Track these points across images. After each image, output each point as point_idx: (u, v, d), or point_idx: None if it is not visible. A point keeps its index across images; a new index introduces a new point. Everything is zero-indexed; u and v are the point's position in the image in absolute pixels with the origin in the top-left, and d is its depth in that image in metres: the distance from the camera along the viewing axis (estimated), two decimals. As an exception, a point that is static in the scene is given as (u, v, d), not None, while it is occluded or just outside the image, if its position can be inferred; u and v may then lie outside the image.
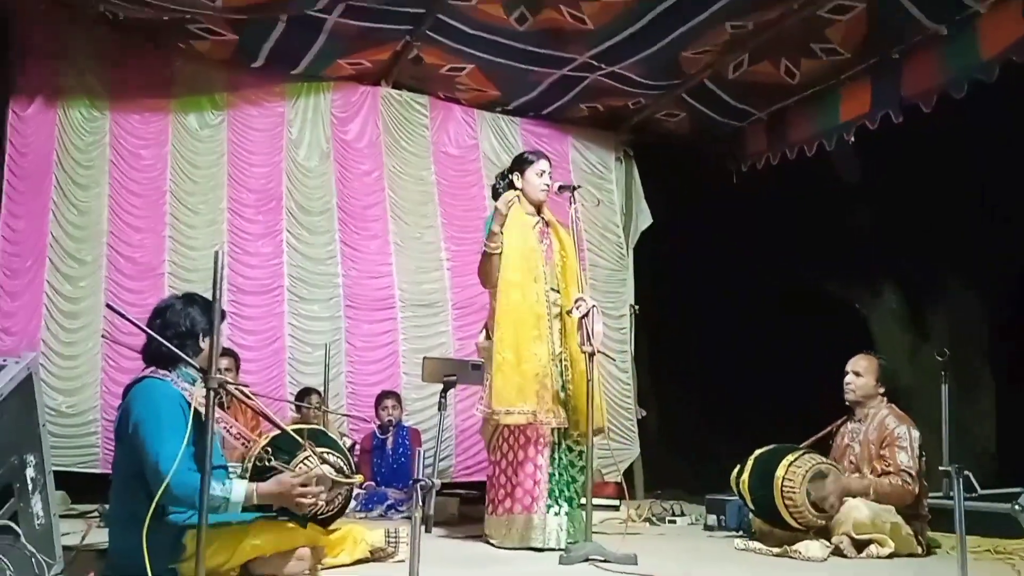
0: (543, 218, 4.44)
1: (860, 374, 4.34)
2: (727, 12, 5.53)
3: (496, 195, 4.53)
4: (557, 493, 4.15)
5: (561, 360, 4.23)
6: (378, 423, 6.25)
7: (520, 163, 4.48)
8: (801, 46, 5.94)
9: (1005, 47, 5.06)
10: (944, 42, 5.43)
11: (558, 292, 4.29)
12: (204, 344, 2.99)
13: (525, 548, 4.05)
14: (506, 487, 4.19)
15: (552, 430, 4.17)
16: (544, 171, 4.38)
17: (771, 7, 5.52)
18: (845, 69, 6.09)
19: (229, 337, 6.01)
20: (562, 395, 4.20)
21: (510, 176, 4.49)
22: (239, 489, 2.83)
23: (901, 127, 5.91)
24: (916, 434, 4.15)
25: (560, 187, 4.35)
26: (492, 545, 4.18)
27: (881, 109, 5.95)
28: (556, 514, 4.12)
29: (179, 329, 2.97)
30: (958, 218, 7.13)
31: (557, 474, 4.17)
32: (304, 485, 2.95)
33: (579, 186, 4.43)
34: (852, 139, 6.37)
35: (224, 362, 5.51)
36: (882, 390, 4.32)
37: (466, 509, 5.32)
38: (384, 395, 6.33)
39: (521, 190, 4.42)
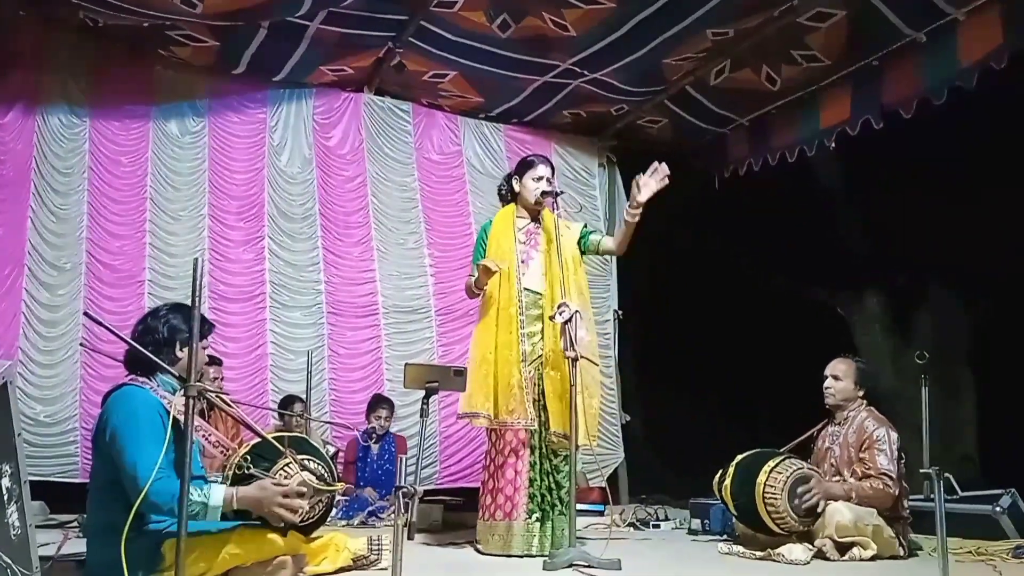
0: (539, 221, 4.41)
1: (839, 378, 4.36)
2: (708, 20, 5.57)
3: (500, 197, 4.57)
4: (539, 499, 4.13)
5: (542, 363, 4.22)
6: (362, 429, 6.20)
7: (521, 167, 4.49)
8: (782, 53, 5.98)
9: (984, 54, 5.12)
10: (923, 49, 5.48)
11: (539, 295, 4.28)
12: (181, 353, 2.95)
13: (506, 555, 4.03)
14: (492, 493, 4.18)
15: (533, 434, 4.16)
16: (541, 176, 4.36)
17: (752, 15, 5.56)
18: (826, 76, 6.14)
19: (211, 344, 5.96)
20: (540, 399, 4.19)
21: (512, 179, 4.50)
22: (217, 494, 2.80)
23: (881, 133, 5.96)
24: (895, 436, 4.17)
25: (543, 193, 4.34)
26: (478, 551, 4.17)
27: (861, 115, 6.01)
28: (537, 520, 4.10)
29: (156, 336, 2.94)
30: (940, 223, 7.19)
31: (539, 480, 4.15)
32: (286, 496, 2.91)
33: (562, 191, 4.42)
34: (833, 145, 6.42)
35: (212, 371, 5.49)
36: (861, 393, 4.34)
37: (449, 516, 5.29)
38: (378, 402, 6.26)
39: (518, 193, 4.43)
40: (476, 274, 4.29)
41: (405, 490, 2.57)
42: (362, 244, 6.87)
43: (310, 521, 3.23)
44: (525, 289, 4.26)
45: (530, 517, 4.10)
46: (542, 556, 3.93)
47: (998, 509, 4.60)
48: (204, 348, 3.17)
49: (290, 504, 2.91)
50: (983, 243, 6.89)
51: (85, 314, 3.43)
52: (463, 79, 6.69)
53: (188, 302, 3.05)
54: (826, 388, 4.38)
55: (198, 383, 2.35)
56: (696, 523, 5.17)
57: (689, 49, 6.01)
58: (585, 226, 4.50)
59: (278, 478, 3.04)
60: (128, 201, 6.21)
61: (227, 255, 6.44)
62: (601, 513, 5.54)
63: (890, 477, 4.06)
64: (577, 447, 3.89)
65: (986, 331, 7.22)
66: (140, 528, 2.75)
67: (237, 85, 6.60)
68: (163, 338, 2.94)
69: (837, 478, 4.21)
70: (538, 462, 4.17)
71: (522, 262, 4.30)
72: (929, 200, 7.05)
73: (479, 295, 4.35)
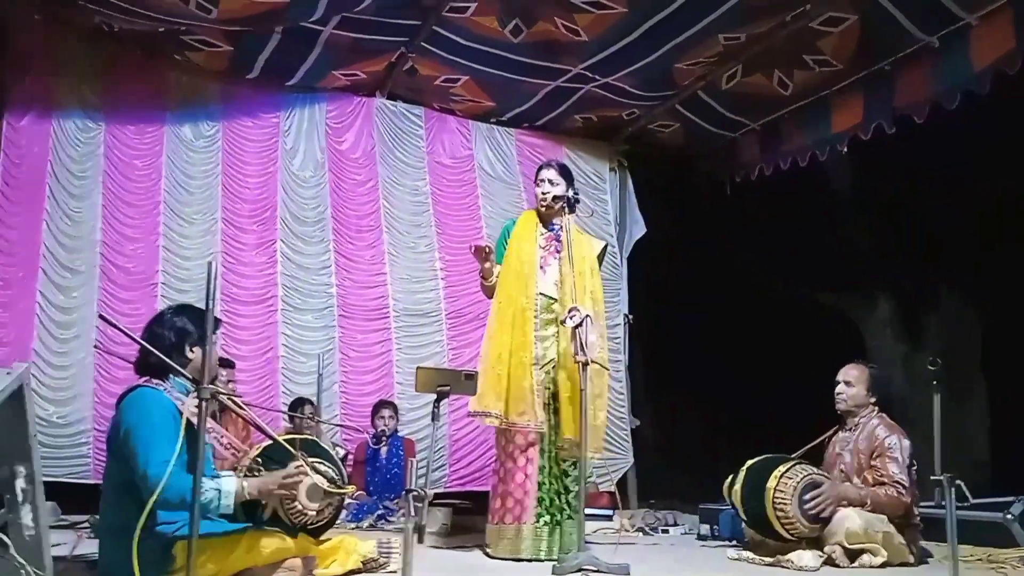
0: (557, 226, 4.39)
1: (851, 384, 4.34)
2: (720, 24, 5.56)
3: None
4: (548, 503, 4.13)
5: (554, 367, 4.22)
6: (372, 433, 6.24)
7: (535, 175, 4.54)
8: (794, 58, 5.97)
9: (996, 59, 5.09)
10: (936, 54, 5.46)
11: (554, 300, 4.30)
12: (191, 354, 2.97)
13: (515, 559, 4.04)
14: (502, 496, 4.19)
15: (543, 437, 4.17)
16: (544, 179, 4.41)
17: (764, 19, 5.56)
18: (837, 80, 6.12)
19: (222, 347, 6.00)
20: (551, 402, 4.20)
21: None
22: (230, 482, 2.85)
23: (894, 138, 5.94)
24: (907, 444, 4.15)
25: (554, 197, 4.36)
26: (487, 554, 4.17)
27: (873, 120, 5.99)
28: (546, 524, 4.10)
29: (164, 340, 2.96)
30: (951, 227, 7.16)
31: (548, 483, 4.16)
32: (287, 476, 2.95)
33: (576, 197, 4.42)
34: (845, 150, 6.40)
35: (224, 373, 5.52)
36: (873, 399, 4.32)
37: (459, 519, 5.30)
38: (381, 404, 6.34)
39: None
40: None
41: (415, 493, 2.58)
42: (374, 248, 6.89)
43: (320, 523, 3.25)
44: (540, 294, 4.28)
45: (539, 521, 4.10)
46: (551, 560, 3.93)
47: (1009, 516, 4.56)
48: (213, 343, 3.19)
49: (289, 483, 2.95)
50: (995, 248, 6.86)
51: (101, 316, 3.46)
52: (475, 84, 6.71)
53: (196, 304, 3.10)
54: (838, 394, 4.36)
55: (211, 385, 2.37)
56: (705, 528, 5.16)
57: (701, 54, 6.01)
58: (600, 254, 4.52)
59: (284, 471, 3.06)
60: (142, 204, 6.26)
61: (240, 258, 6.48)
62: (610, 518, 5.53)
63: (903, 485, 4.04)
64: (586, 452, 3.90)
65: (998, 337, 7.18)
66: (151, 529, 2.76)
67: (250, 90, 6.64)
68: (172, 343, 2.96)
69: (848, 485, 4.19)
70: (547, 466, 4.18)
71: (540, 267, 4.32)
72: (941, 205, 7.03)
73: (491, 286, 4.37)
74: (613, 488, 6.15)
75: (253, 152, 6.66)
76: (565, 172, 4.49)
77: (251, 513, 2.98)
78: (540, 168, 4.52)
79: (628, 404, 7.46)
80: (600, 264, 4.50)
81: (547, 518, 4.11)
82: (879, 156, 6.61)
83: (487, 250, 4.28)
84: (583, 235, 4.47)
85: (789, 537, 3.98)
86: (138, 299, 6.08)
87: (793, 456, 4.23)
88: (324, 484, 3.12)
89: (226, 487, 2.83)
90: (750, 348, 7.91)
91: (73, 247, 6.01)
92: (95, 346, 5.74)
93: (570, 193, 4.33)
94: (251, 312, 6.45)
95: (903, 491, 4.04)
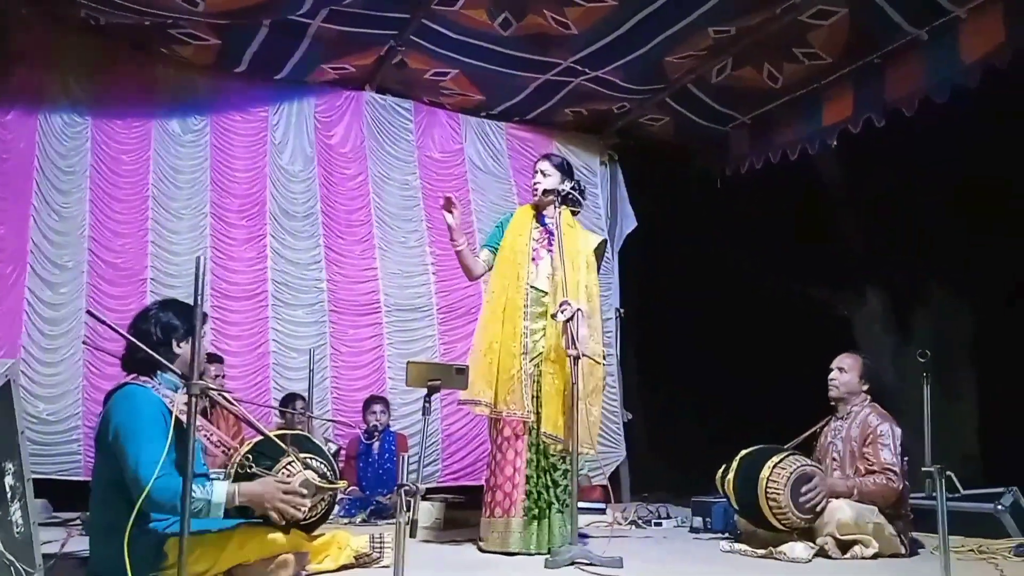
0: (553, 219, 4.33)
1: (844, 370, 4.37)
2: (710, 17, 5.56)
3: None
4: (536, 496, 4.12)
5: (543, 360, 4.21)
6: (364, 428, 6.23)
7: None
8: (784, 51, 5.98)
9: (986, 52, 5.10)
10: (925, 47, 5.47)
11: (545, 293, 4.29)
12: (179, 349, 2.95)
13: (504, 552, 4.03)
14: (493, 490, 4.19)
15: (531, 431, 4.17)
16: (537, 170, 4.42)
17: (754, 12, 5.55)
18: (827, 74, 6.12)
19: (212, 343, 5.98)
20: (538, 395, 4.18)
21: None
22: (220, 490, 2.79)
23: (884, 131, 5.94)
24: (898, 431, 4.17)
25: (544, 189, 4.35)
26: (480, 548, 4.17)
27: (864, 113, 5.99)
28: (535, 517, 4.09)
29: (151, 335, 2.92)
30: (941, 221, 7.18)
31: (536, 477, 4.15)
32: (288, 493, 2.91)
33: (564, 190, 4.41)
34: (835, 143, 6.41)
35: (213, 368, 5.50)
36: (865, 388, 4.35)
37: (451, 514, 5.29)
38: (372, 400, 6.32)
39: None
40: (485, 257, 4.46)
41: (408, 488, 2.57)
42: (364, 242, 6.87)
43: (312, 519, 3.24)
44: (531, 287, 4.27)
45: (527, 514, 4.09)
46: (541, 554, 3.94)
47: (1000, 507, 4.60)
48: (201, 338, 3.16)
49: (292, 500, 2.91)
50: (985, 241, 6.88)
51: (88, 312, 3.44)
52: (465, 77, 6.68)
53: (184, 299, 3.07)
54: (831, 380, 4.39)
55: (200, 381, 2.35)
56: (698, 521, 5.17)
57: (691, 47, 6.00)
58: (598, 248, 4.49)
59: (280, 476, 3.04)
60: (130, 199, 6.22)
61: (229, 253, 6.45)
62: (603, 511, 5.54)
63: (894, 472, 4.06)
64: (578, 447, 3.89)
65: (988, 329, 7.21)
66: (142, 527, 2.74)
67: (239, 83, 6.60)
68: (158, 339, 2.92)
69: (838, 473, 4.21)
70: (535, 459, 4.17)
71: (532, 260, 4.31)
72: (931, 198, 7.04)
73: (460, 252, 4.36)
74: (605, 481, 6.16)
75: (241, 146, 6.62)
76: (562, 166, 4.45)
77: (243, 508, 2.95)
78: (538, 160, 4.52)
79: (620, 398, 7.47)
80: (599, 260, 4.47)
81: (536, 511, 4.10)
82: (869, 150, 6.62)
83: (452, 202, 4.26)
84: (579, 230, 4.43)
85: (781, 527, 4.00)
86: (127, 295, 6.04)
87: (786, 447, 4.24)
88: (316, 479, 3.11)
89: (216, 497, 2.77)
90: (741, 341, 7.92)
91: (61, 243, 5.97)
92: (83, 342, 5.71)
93: (565, 187, 4.30)
94: (241, 308, 6.42)
95: (895, 478, 4.06)
